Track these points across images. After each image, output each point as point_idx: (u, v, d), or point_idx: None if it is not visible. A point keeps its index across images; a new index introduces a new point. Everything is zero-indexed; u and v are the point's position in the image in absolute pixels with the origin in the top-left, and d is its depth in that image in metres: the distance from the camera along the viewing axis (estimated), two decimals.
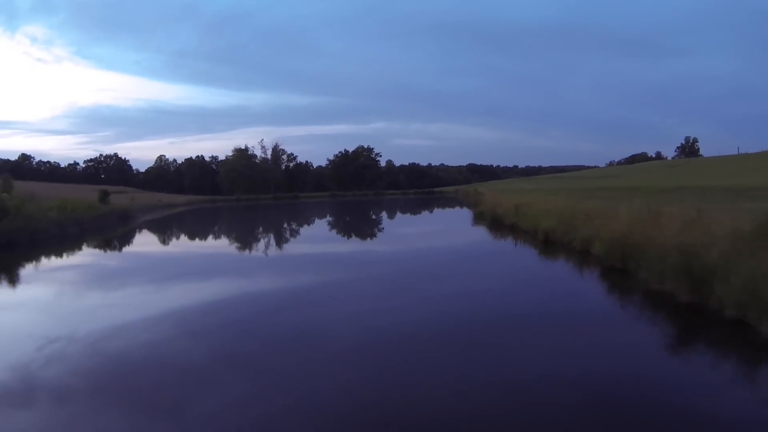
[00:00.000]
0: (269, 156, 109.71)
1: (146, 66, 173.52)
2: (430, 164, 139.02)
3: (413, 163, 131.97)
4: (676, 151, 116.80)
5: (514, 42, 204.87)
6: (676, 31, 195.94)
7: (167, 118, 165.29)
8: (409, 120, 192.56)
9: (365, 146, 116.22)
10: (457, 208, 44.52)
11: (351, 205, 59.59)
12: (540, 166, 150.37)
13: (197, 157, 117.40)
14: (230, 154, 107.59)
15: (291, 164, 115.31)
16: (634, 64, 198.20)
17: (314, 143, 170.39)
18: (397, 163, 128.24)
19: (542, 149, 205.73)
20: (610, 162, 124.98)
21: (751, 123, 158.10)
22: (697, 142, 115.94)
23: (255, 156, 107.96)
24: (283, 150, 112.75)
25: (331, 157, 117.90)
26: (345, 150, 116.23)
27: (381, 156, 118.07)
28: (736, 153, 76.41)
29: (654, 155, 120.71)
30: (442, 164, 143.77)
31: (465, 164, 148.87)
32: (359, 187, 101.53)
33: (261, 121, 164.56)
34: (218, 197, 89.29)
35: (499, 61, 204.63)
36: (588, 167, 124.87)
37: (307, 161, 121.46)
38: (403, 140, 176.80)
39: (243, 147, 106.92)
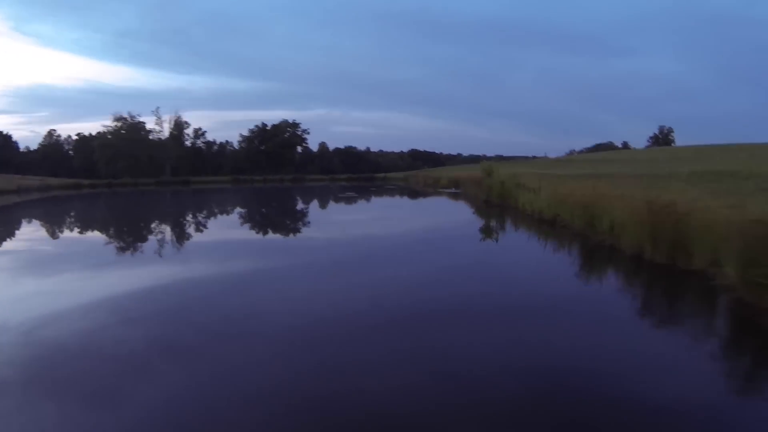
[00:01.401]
0: (166, 130, 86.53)
1: (86, 45, 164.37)
2: (368, 148, 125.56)
3: (350, 147, 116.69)
4: (648, 140, 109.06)
5: (459, 33, 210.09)
6: (622, 32, 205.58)
7: (106, 100, 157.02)
8: (350, 107, 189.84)
9: (290, 120, 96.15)
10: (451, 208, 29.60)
11: (218, 199, 41.29)
12: (484, 155, 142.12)
13: (94, 134, 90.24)
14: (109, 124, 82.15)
15: (198, 142, 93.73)
16: (577, 61, 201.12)
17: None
18: (332, 147, 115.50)
19: (483, 140, 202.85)
20: (571, 151, 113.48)
21: (684, 122, 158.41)
22: (672, 132, 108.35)
23: (148, 129, 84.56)
24: (187, 123, 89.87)
25: (245, 132, 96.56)
26: (263, 123, 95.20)
27: (309, 133, 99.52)
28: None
29: (621, 145, 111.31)
30: (381, 150, 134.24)
31: (407, 150, 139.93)
32: (280, 171, 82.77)
33: (202, 104, 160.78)
34: (98, 181, 67.78)
35: (444, 52, 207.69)
36: (538, 157, 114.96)
37: (227, 141, 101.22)
38: (344, 127, 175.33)
39: (126, 116, 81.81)
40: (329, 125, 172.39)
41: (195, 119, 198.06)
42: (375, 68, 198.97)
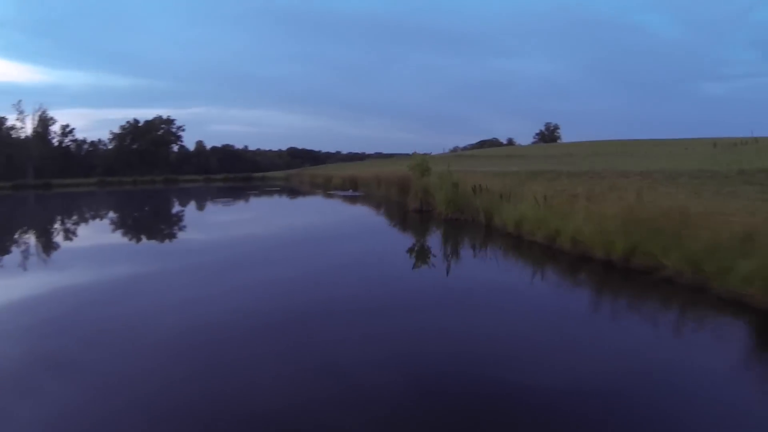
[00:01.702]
0: (29, 127, 78.34)
1: None
2: (246, 147, 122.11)
3: (227, 145, 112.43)
4: (534, 137, 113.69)
5: (339, 31, 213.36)
6: (501, 33, 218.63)
7: None
8: (229, 105, 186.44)
9: (164, 116, 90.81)
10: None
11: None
12: (364, 153, 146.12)
13: None
14: None
15: (66, 140, 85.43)
16: (457, 60, 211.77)
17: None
18: (209, 146, 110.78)
19: (362, 137, 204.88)
20: (455, 147, 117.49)
21: (559, 119, 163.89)
22: (558, 128, 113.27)
23: (8, 126, 76.38)
24: (53, 120, 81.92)
25: (117, 130, 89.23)
26: (134, 120, 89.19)
27: (184, 130, 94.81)
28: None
29: (505, 141, 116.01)
30: (259, 149, 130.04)
31: (285, 148, 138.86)
32: (153, 171, 77.68)
33: (78, 101, 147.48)
34: None
35: (323, 49, 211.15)
36: (420, 154, 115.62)
37: (99, 140, 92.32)
38: (222, 126, 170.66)
39: None
40: (207, 124, 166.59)
41: (71, 117, 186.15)
42: (254, 65, 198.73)
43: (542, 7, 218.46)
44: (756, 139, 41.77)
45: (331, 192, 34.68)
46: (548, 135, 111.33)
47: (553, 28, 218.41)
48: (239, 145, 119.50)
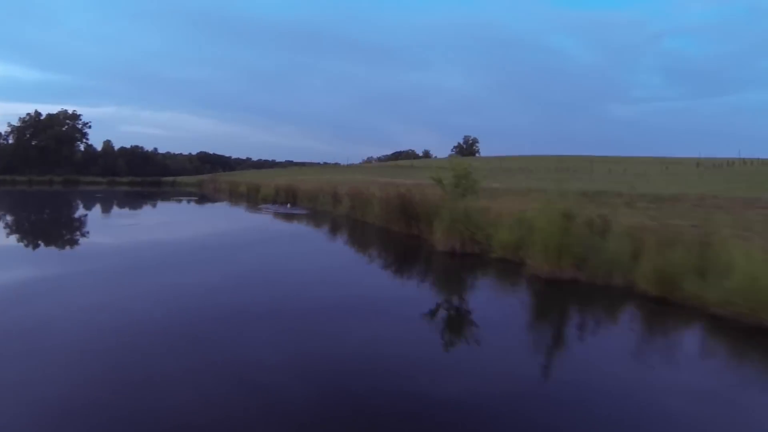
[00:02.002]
0: None
1: None
2: (156, 149, 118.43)
3: (136, 146, 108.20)
4: (452, 150, 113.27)
5: (255, 36, 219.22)
6: (416, 47, 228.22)
7: None
8: (141, 106, 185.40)
9: (70, 111, 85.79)
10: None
11: None
12: (274, 160, 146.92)
13: None
14: None
15: None
16: (370, 71, 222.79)
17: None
18: (118, 147, 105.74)
19: (273, 144, 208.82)
20: (369, 158, 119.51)
21: (468, 132, 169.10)
22: (477, 142, 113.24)
23: None
24: None
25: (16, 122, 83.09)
26: (36, 112, 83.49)
27: (91, 127, 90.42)
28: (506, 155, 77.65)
29: (421, 154, 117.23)
30: (169, 152, 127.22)
31: (195, 152, 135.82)
32: (56, 170, 73.63)
33: None
34: None
35: (238, 54, 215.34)
36: (330, 164, 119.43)
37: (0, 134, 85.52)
38: (132, 127, 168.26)
39: None
40: (118, 124, 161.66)
41: None
42: (167, 66, 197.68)
43: (459, 23, 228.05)
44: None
45: (262, 207, 27.09)
46: (466, 148, 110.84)
47: (470, 45, 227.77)
48: (149, 148, 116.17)
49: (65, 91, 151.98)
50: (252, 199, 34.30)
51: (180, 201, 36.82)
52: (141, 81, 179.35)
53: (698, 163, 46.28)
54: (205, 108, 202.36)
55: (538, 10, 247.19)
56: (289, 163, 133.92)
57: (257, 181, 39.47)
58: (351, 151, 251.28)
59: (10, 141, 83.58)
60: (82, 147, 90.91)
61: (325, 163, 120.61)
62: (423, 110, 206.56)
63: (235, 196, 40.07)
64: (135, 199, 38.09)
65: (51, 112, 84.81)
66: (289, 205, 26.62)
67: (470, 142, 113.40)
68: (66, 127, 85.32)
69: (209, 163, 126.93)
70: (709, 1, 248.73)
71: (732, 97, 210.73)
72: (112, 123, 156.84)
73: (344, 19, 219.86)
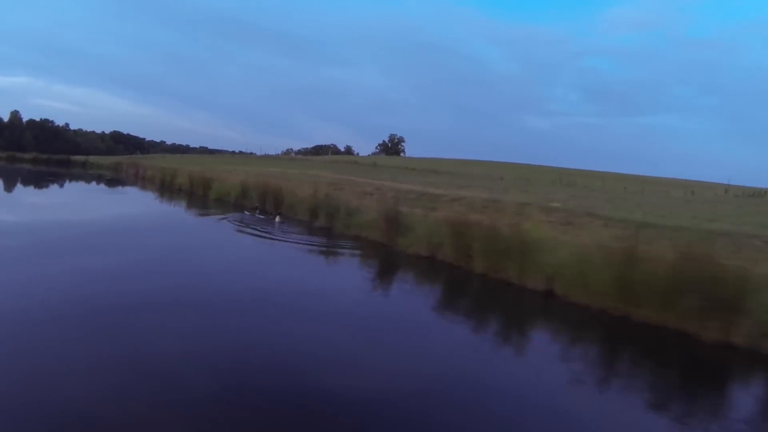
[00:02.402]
0: None
1: None
2: (67, 124, 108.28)
3: (46, 120, 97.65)
4: (377, 147, 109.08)
5: (175, 18, 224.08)
6: (338, 43, 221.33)
7: None
8: (54, 80, 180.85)
9: None
10: None
11: None
12: (188, 145, 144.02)
13: None
14: None
15: None
16: (291, 65, 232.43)
17: None
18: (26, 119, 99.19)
19: (187, 129, 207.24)
20: (288, 149, 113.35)
21: (386, 132, 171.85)
22: (403, 141, 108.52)
23: None
24: None
25: None
26: None
27: None
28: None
29: (343, 149, 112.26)
30: (80, 129, 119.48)
31: (108, 131, 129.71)
32: None
33: None
34: None
35: (157, 35, 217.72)
36: (245, 153, 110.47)
37: None
38: (44, 101, 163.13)
39: None
40: (28, 96, 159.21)
41: None
42: (84, 40, 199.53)
43: (384, 23, 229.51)
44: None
45: (227, 216, 18.00)
46: (391, 147, 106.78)
47: (391, 46, 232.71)
48: (60, 123, 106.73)
49: None
50: (196, 196, 25.59)
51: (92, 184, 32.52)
52: (57, 53, 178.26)
53: (603, 177, 46.73)
54: (121, 87, 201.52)
55: (465, 18, 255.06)
56: (204, 150, 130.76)
57: (202, 170, 29.92)
58: (266, 143, 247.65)
59: None
60: None
61: (241, 152, 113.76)
62: (342, 107, 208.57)
63: (163, 186, 31.18)
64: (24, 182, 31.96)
65: None
66: (278, 219, 17.09)
67: (396, 140, 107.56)
68: None
69: (122, 143, 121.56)
70: (632, 27, 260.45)
71: (644, 119, 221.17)
72: (23, 94, 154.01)
73: (265, 9, 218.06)
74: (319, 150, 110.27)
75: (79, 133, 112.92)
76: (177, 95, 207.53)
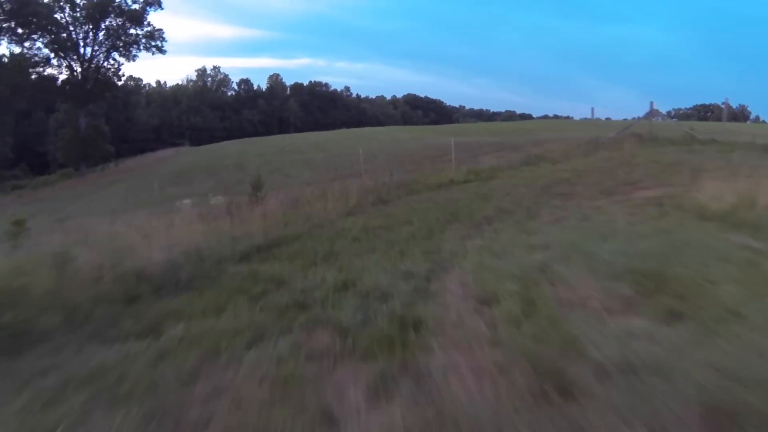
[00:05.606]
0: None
1: None
2: (347, 88, 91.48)
3: (317, 83, 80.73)
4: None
5: None
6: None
7: None
8: (335, 58, 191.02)
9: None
10: None
11: None
12: (489, 110, 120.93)
13: None
14: None
15: None
16: (567, 24, 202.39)
17: (237, 76, 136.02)
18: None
19: (464, 95, 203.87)
20: (670, 111, 79.98)
21: (666, 91, 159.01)
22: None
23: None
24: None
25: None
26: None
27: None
28: None
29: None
30: (367, 96, 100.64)
31: (401, 96, 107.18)
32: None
33: (184, 50, 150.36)
34: None
35: (431, 5, 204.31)
36: (532, 117, 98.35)
37: None
38: (326, 77, 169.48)
39: None
40: (312, 75, 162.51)
41: (177, 66, 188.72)
42: (360, 18, 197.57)
43: None
44: None
45: None
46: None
47: None
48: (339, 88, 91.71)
49: (261, 44, 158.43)
50: None
51: None
52: (335, 33, 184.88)
53: None
54: (399, 59, 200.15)
55: None
56: (512, 114, 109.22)
57: None
58: (548, 106, 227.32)
59: None
60: None
61: (551, 116, 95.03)
62: (616, 65, 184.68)
63: None
64: None
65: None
66: None
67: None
68: None
69: (420, 108, 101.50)
70: None
71: None
72: (307, 74, 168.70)
73: None
74: (701, 109, 73.70)
75: (363, 100, 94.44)
76: (452, 62, 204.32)
